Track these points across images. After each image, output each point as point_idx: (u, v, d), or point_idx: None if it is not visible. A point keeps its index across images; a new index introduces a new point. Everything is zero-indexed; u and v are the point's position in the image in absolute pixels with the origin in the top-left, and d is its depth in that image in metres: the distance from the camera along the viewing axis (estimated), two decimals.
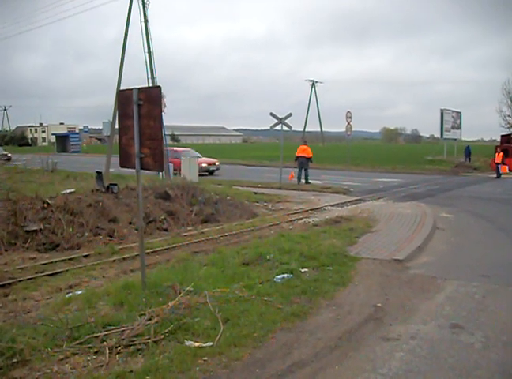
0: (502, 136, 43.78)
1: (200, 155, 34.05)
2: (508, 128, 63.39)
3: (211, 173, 32.81)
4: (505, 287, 8.34)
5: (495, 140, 47.95)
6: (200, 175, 27.56)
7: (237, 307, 6.66)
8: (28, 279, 8.59)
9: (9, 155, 51.39)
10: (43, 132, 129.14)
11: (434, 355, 5.59)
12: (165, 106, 22.78)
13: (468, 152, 45.53)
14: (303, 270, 8.67)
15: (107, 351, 5.27)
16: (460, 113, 53.83)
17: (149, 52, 25.65)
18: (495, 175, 33.47)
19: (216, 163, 34.15)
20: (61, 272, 9.08)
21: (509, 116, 65.40)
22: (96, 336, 5.61)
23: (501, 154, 33.87)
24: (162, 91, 7.12)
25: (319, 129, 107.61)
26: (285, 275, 8.22)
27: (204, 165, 31.93)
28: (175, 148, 34.88)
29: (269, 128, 26.46)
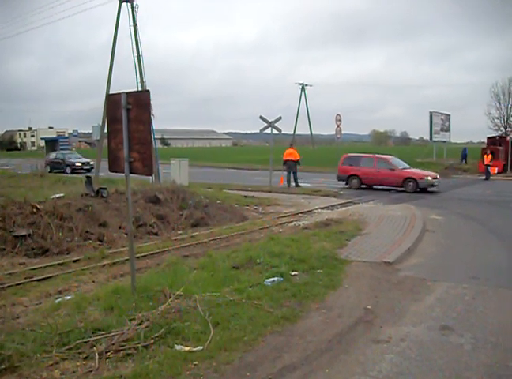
0: (488, 138, 44.18)
1: (408, 165, 27.40)
2: (496, 130, 64.03)
3: (424, 189, 24.90)
4: (494, 289, 8.39)
5: (483, 143, 48.33)
6: (415, 192, 24.08)
7: (227, 311, 6.65)
8: (17, 284, 8.53)
9: (92, 163, 38.42)
10: (32, 136, 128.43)
11: (424, 357, 5.62)
12: (153, 116, 22.62)
13: (464, 154, 45.89)
14: (293, 273, 8.67)
15: (97, 356, 5.25)
16: (449, 115, 54.03)
17: (138, 56, 25.69)
18: (484, 177, 33.70)
19: (438, 177, 26.02)
20: (50, 277, 9.03)
21: (497, 118, 66.13)
22: (86, 341, 5.59)
23: (490, 156, 34.10)
24: (150, 96, 7.11)
25: (309, 132, 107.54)
26: (275, 278, 8.22)
27: (429, 178, 24.95)
28: (378, 156, 27.23)
29: (258, 131, 26.50)
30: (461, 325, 6.66)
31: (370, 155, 27.67)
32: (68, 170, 38.60)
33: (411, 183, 24.68)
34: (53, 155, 43.03)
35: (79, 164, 39.40)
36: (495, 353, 5.77)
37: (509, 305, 7.65)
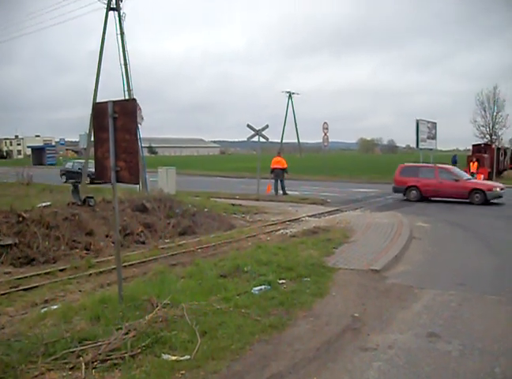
0: (473, 145, 44.52)
1: (470, 177, 26.17)
2: (482, 138, 64.69)
3: (487, 201, 23.19)
4: (480, 295, 8.44)
5: (469, 150, 48.82)
6: (481, 204, 22.51)
7: (214, 320, 6.63)
8: (3, 294, 8.46)
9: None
10: (19, 144, 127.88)
11: (412, 364, 5.62)
12: (142, 118, 22.58)
13: (454, 161, 46.31)
14: (280, 281, 8.67)
15: (83, 367, 5.20)
16: (435, 123, 54.19)
17: (125, 64, 25.62)
18: None
19: (504, 188, 24.37)
20: (36, 286, 8.95)
21: (482, 126, 66.91)
22: (72, 351, 5.54)
23: (476, 163, 34.39)
24: (139, 103, 7.10)
25: (296, 140, 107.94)
26: (263, 286, 8.21)
27: (498, 190, 23.59)
28: (439, 166, 25.32)
29: (246, 139, 26.53)
30: (448, 332, 6.68)
31: (430, 165, 26.00)
32: (88, 180, 33.97)
33: (478, 195, 23.17)
34: (69, 164, 39.14)
35: None
36: (482, 359, 5.80)
37: (494, 311, 7.68)
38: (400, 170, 25.81)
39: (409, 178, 24.89)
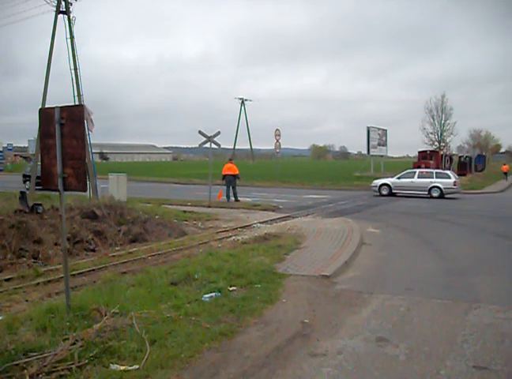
0: (419, 152, 45.54)
1: None
2: (431, 144, 66.35)
3: None
4: (428, 299, 8.60)
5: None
6: None
7: (164, 328, 6.57)
8: None
9: None
10: None
11: (361, 369, 5.69)
12: (93, 125, 22.18)
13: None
14: (231, 288, 8.66)
15: None
16: (385, 130, 55.51)
17: (75, 69, 25.23)
18: None
19: None
20: None
21: (431, 133, 68.68)
22: (16, 364, 5.38)
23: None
24: (90, 109, 7.01)
25: (249, 147, 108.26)
26: (213, 294, 8.19)
27: None
28: None
29: (198, 146, 26.45)
30: (396, 336, 6.78)
31: None
32: None
33: None
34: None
35: None
36: (429, 362, 5.90)
37: (441, 314, 7.83)
38: None
39: None
